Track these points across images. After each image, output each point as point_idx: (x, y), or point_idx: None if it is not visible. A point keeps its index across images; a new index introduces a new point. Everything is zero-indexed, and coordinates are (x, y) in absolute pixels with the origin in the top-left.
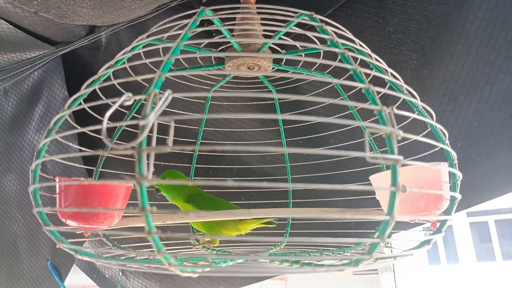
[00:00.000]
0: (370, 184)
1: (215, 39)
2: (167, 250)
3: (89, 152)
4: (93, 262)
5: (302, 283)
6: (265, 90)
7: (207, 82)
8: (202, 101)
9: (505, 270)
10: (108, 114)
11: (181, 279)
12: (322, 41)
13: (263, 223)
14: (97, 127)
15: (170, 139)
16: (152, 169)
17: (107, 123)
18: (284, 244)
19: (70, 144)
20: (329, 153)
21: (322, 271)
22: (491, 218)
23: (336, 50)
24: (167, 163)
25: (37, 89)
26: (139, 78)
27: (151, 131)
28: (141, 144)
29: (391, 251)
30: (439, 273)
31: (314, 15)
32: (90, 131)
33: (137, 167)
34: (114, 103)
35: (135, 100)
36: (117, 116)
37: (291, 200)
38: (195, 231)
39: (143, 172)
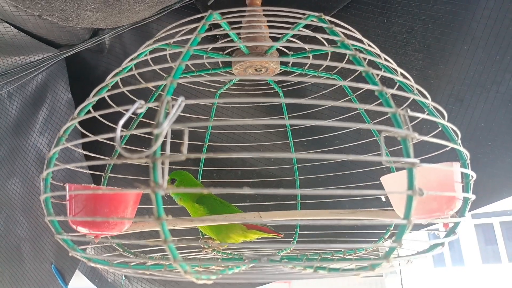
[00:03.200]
0: (380, 184)
1: (222, 42)
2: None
3: (103, 159)
4: (96, 267)
5: (307, 286)
6: (272, 91)
7: (212, 84)
8: (208, 103)
9: (510, 272)
10: (121, 122)
11: (185, 283)
12: (329, 41)
13: (271, 235)
14: (110, 135)
15: (185, 146)
16: (166, 176)
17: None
18: (293, 246)
19: (76, 149)
20: (345, 157)
21: (337, 275)
22: (496, 220)
23: (347, 52)
24: (171, 166)
25: (41, 92)
26: (149, 85)
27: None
28: (155, 152)
29: (397, 253)
30: (444, 275)
31: (323, 16)
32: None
33: (152, 175)
34: (126, 110)
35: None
36: (118, 120)
37: (299, 202)
38: (204, 234)
39: (158, 180)
